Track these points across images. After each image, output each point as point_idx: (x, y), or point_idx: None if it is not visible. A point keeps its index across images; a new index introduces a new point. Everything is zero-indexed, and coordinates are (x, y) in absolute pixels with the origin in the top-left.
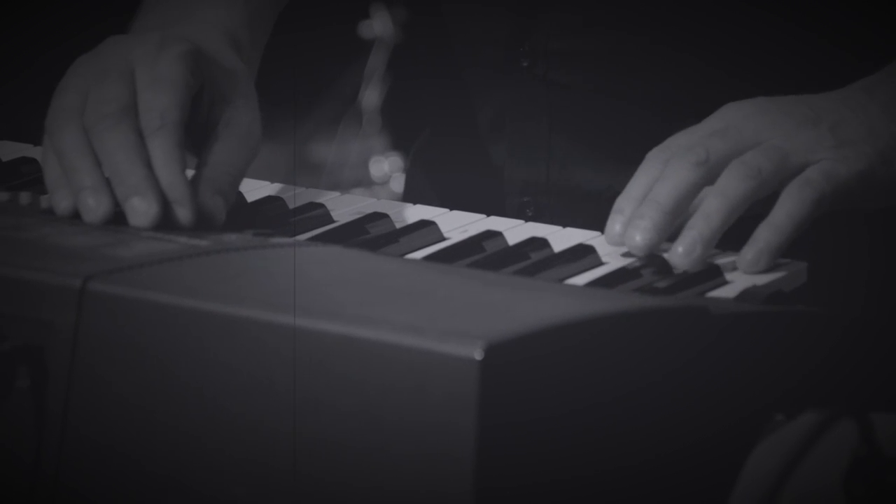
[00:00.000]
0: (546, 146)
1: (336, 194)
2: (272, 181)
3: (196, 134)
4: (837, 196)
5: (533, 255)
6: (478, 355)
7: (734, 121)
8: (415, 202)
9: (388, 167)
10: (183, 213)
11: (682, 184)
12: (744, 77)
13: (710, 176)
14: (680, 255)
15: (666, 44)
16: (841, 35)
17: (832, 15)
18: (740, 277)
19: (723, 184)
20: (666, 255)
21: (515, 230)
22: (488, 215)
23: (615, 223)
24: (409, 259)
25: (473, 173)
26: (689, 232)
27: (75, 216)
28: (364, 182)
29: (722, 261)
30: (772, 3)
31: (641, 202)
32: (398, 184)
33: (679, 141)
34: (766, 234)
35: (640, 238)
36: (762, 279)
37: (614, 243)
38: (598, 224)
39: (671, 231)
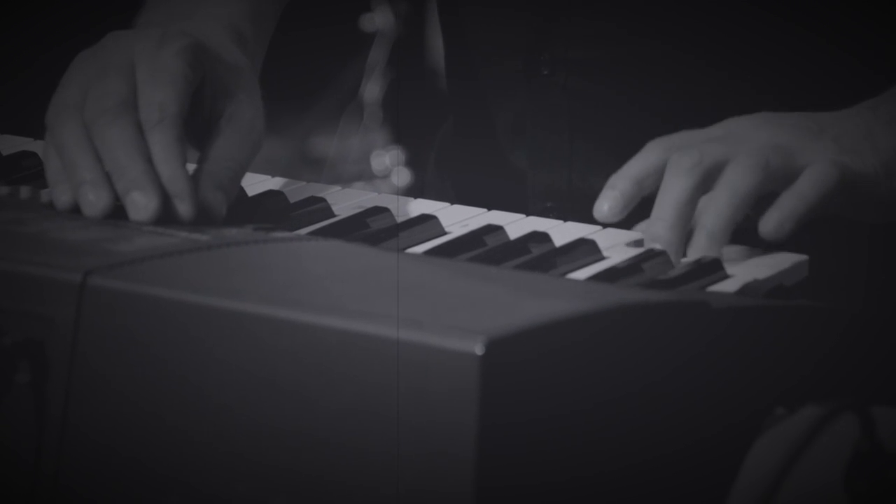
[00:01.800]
0: (567, 153)
1: (337, 188)
2: (273, 175)
3: (198, 129)
4: (848, 186)
5: (534, 250)
6: (479, 350)
7: (736, 129)
8: None
9: (389, 161)
10: (183, 208)
11: (682, 194)
12: (764, 86)
13: (705, 178)
14: (694, 254)
15: (684, 52)
16: (864, 56)
17: (855, 30)
18: (741, 271)
19: (730, 177)
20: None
21: (516, 224)
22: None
23: (605, 201)
24: (410, 253)
25: (495, 179)
26: (700, 231)
27: (76, 210)
28: (365, 176)
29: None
30: (794, 14)
31: (634, 182)
32: (399, 177)
33: (681, 137)
34: (790, 202)
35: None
36: (763, 273)
37: (601, 218)
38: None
39: (688, 230)
